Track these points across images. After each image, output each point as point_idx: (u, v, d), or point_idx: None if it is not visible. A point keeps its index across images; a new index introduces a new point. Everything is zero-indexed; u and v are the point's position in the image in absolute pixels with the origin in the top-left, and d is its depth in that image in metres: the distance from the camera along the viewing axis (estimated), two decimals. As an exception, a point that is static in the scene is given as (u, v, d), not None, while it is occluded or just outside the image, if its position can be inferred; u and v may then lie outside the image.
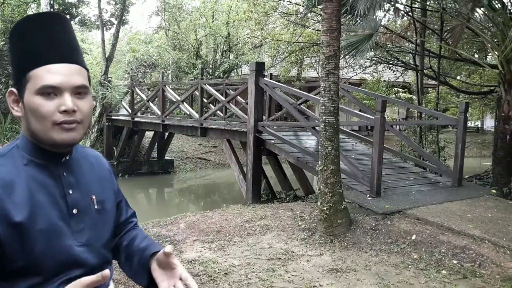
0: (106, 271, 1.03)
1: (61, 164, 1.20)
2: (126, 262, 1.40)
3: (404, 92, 16.42)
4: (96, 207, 1.25)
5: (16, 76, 1.15)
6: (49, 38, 1.14)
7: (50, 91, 1.11)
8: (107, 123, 14.68)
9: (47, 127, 1.11)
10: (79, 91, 1.15)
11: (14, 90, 1.16)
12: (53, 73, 1.11)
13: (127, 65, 22.64)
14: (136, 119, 13.39)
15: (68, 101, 1.11)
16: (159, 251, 1.28)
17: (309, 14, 13.32)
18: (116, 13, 17.97)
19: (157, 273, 1.27)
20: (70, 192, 1.19)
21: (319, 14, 12.21)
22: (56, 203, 1.16)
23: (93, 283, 1.04)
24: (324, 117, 5.22)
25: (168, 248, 1.22)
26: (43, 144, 1.16)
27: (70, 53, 1.16)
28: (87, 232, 1.20)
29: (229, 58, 20.28)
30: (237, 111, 9.55)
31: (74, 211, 1.18)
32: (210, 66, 20.37)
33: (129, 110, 13.94)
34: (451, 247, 4.67)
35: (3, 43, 13.42)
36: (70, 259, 1.14)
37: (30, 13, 15.83)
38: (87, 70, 1.23)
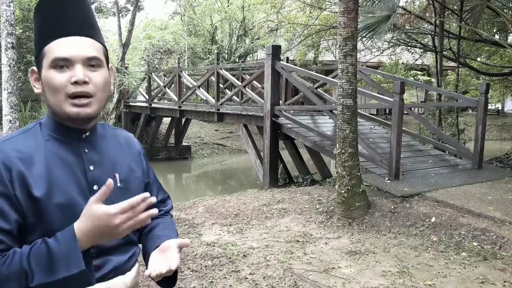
0: (109, 182, 1.05)
1: (82, 140, 1.22)
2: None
3: (423, 75, 16.21)
4: (118, 185, 1.26)
5: (35, 54, 1.19)
6: (61, 14, 1.16)
7: (62, 64, 1.13)
8: (125, 110, 14.82)
9: (61, 99, 1.13)
10: (91, 63, 1.16)
11: (35, 68, 1.19)
12: (64, 46, 1.13)
13: (143, 51, 22.72)
14: (153, 105, 13.47)
15: (79, 72, 1.12)
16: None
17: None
18: (132, -1, 17.99)
19: (154, 254, 1.26)
20: (91, 168, 1.21)
21: (335, -4, 12.05)
22: (76, 178, 1.18)
23: (100, 198, 1.04)
24: (342, 100, 5.18)
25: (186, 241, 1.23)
26: (61, 119, 1.18)
27: (82, 27, 1.18)
28: None
29: (245, 43, 20.19)
30: (254, 96, 9.52)
31: (95, 187, 1.20)
32: (226, 51, 20.31)
33: (146, 97, 14.03)
34: (471, 229, 4.62)
35: (21, 31, 13.55)
36: None
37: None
38: (104, 46, 1.24)
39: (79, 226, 1.04)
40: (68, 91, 1.12)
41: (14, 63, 6.03)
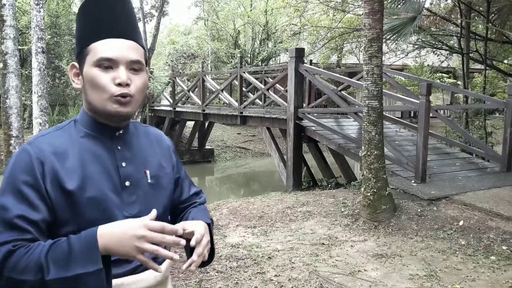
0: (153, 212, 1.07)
1: (116, 138, 1.25)
2: None
3: (449, 78, 15.93)
4: (149, 181, 1.28)
5: (78, 50, 1.21)
6: (109, 15, 1.19)
7: (107, 64, 1.15)
8: (150, 114, 14.99)
9: (103, 98, 1.16)
10: (134, 67, 1.19)
11: (76, 63, 1.22)
12: (110, 47, 1.16)
13: (168, 56, 22.99)
14: (177, 109, 13.61)
15: (122, 74, 1.15)
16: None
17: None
18: (157, 4, 18.22)
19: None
20: (124, 165, 1.23)
21: (359, -2, 11.98)
22: (109, 174, 1.20)
23: (155, 227, 1.05)
24: (367, 101, 5.14)
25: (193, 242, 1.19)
26: (99, 116, 1.21)
27: (128, 30, 1.21)
28: (138, 205, 1.23)
29: (268, 47, 20.23)
30: (277, 98, 9.52)
31: (127, 183, 1.22)
32: (249, 55, 20.38)
33: (170, 100, 14.18)
34: (500, 232, 4.52)
35: (49, 37, 13.86)
36: None
37: (74, 7, 16.32)
38: (144, 49, 1.27)
39: (105, 227, 1.06)
40: (111, 91, 1.15)
41: (44, 67, 6.18)
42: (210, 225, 1.33)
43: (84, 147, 1.19)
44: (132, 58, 1.18)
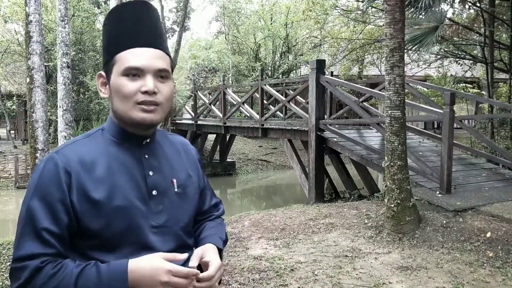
0: (184, 255, 1.11)
1: (143, 146, 1.25)
2: None
3: (473, 88, 15.68)
4: (176, 190, 1.27)
5: (105, 59, 1.23)
6: (136, 24, 1.20)
7: (134, 73, 1.16)
8: (172, 127, 15.14)
9: (129, 106, 1.16)
10: (161, 75, 1.19)
11: (103, 73, 1.24)
12: (137, 56, 1.17)
13: (189, 71, 23.29)
14: (199, 122, 13.72)
15: (149, 82, 1.16)
16: (212, 243, 1.30)
17: (369, 10, 13.05)
18: (178, 20, 18.50)
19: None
20: (151, 173, 1.23)
21: (380, 9, 11.94)
22: (136, 183, 1.20)
23: (169, 258, 1.09)
24: (389, 111, 5.09)
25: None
26: (125, 124, 1.22)
27: (155, 39, 1.22)
28: (165, 214, 1.23)
29: (288, 59, 20.30)
30: (298, 110, 9.51)
31: (154, 192, 1.22)
32: (269, 68, 20.47)
33: (192, 114, 14.32)
34: (531, 245, 4.39)
35: (74, 53, 14.20)
36: (143, 239, 1.17)
37: (98, 24, 16.70)
38: (170, 57, 1.28)
39: (133, 265, 1.07)
40: (138, 99, 1.16)
41: (69, 81, 6.32)
42: (221, 251, 1.34)
43: (111, 155, 1.20)
44: (159, 67, 1.18)
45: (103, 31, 1.27)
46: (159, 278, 1.05)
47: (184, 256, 1.11)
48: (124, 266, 1.07)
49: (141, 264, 1.07)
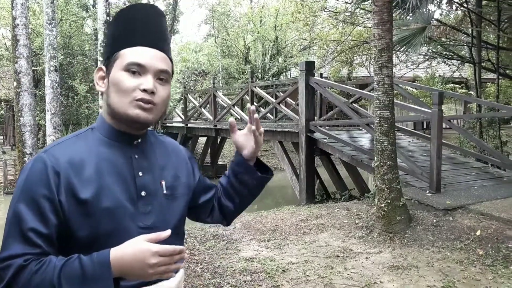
0: (167, 232, 1.09)
1: (133, 146, 1.25)
2: (236, 198, 1.48)
3: (461, 88, 15.81)
4: (164, 192, 1.27)
5: (107, 54, 1.23)
6: (143, 24, 1.22)
7: (136, 69, 1.17)
8: (162, 131, 15.10)
9: (125, 102, 1.16)
10: (161, 77, 1.20)
11: (103, 66, 1.24)
12: (141, 54, 1.18)
13: (179, 74, 23.21)
14: (189, 125, 13.69)
15: (149, 81, 1.17)
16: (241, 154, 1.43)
17: (358, 11, 13.12)
18: (167, 23, 18.48)
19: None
20: (140, 174, 1.23)
21: (368, 11, 12.01)
22: (125, 184, 1.19)
23: (153, 239, 1.08)
24: (379, 112, 5.11)
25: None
26: (119, 121, 1.21)
27: (160, 41, 1.23)
28: (153, 216, 1.22)
29: (278, 62, 20.33)
30: (288, 112, 9.52)
31: (143, 193, 1.21)
32: (259, 70, 20.50)
33: (182, 117, 14.29)
34: (520, 242, 4.42)
35: (62, 57, 14.09)
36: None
37: (87, 28, 16.60)
38: (172, 62, 1.29)
39: (117, 253, 1.06)
40: (135, 95, 1.16)
41: (57, 85, 6.28)
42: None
43: (101, 155, 1.19)
44: (161, 67, 1.20)
45: (111, 26, 1.28)
46: (147, 261, 1.04)
47: (168, 232, 1.09)
48: (106, 254, 1.05)
49: (125, 251, 1.06)
